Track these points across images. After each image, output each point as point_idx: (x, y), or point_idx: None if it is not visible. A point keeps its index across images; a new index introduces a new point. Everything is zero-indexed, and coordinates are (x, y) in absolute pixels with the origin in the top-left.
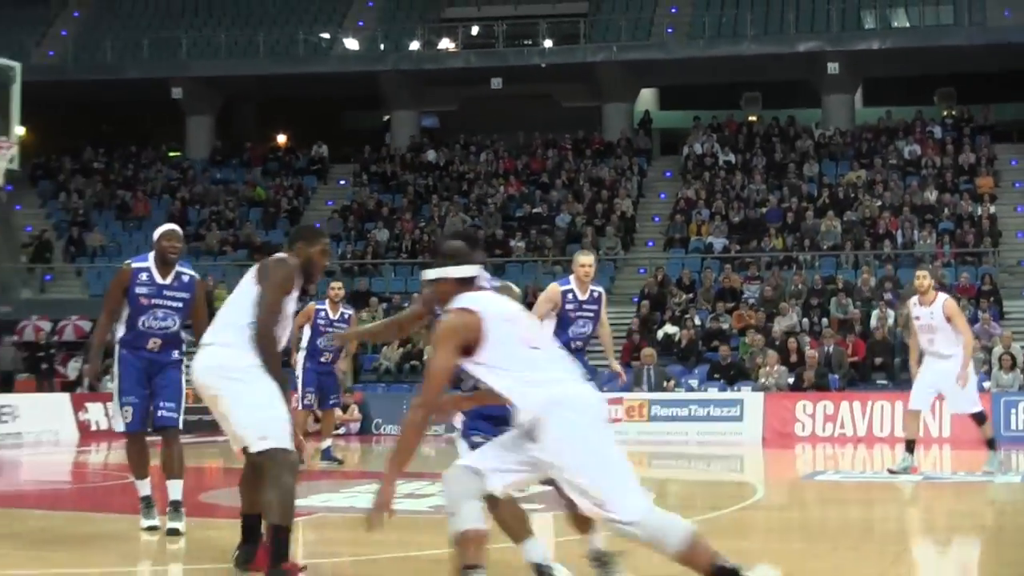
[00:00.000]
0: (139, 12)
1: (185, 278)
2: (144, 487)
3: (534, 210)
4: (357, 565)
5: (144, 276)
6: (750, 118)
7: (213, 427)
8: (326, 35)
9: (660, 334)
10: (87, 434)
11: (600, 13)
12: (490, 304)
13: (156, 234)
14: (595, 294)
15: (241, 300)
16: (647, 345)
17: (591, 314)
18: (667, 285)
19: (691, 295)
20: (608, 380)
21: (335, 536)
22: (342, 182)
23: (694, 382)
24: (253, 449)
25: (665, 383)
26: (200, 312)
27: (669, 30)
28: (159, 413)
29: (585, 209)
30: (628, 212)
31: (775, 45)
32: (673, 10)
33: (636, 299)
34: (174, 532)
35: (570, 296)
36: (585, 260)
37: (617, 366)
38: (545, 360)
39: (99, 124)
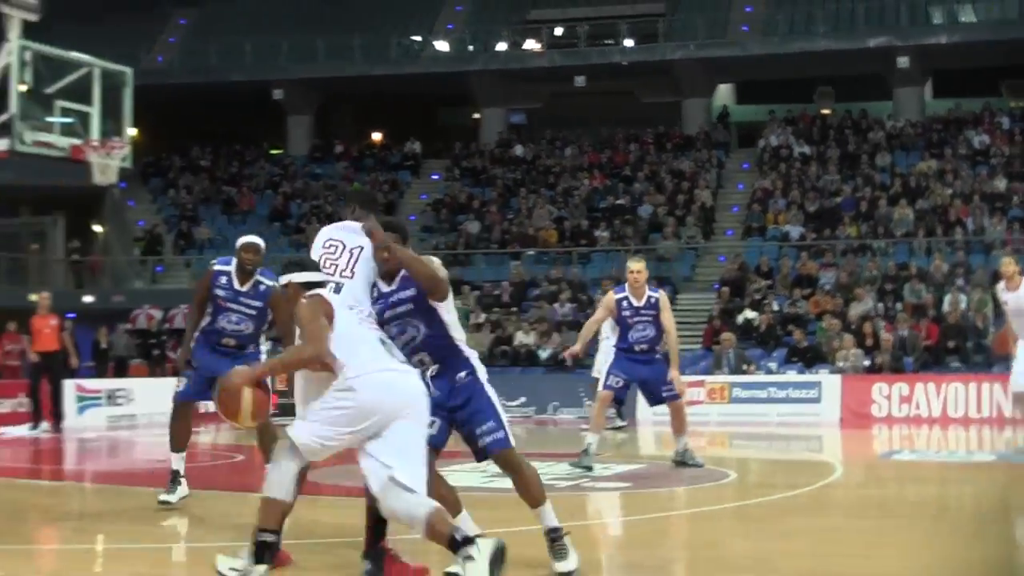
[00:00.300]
0: (241, 19)
1: (262, 287)
2: (176, 461)
3: (617, 201)
4: None
5: (224, 280)
6: (823, 111)
7: None
8: (418, 38)
9: (740, 319)
10: (196, 416)
11: (678, 13)
12: (332, 296)
13: (238, 244)
14: (652, 299)
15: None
16: (727, 329)
17: (649, 318)
18: (746, 272)
19: (769, 281)
20: (692, 363)
21: None
22: (435, 176)
23: (773, 365)
24: None
25: (745, 366)
26: (282, 316)
27: (744, 28)
28: None
29: (666, 200)
30: (708, 202)
31: (846, 41)
32: (748, 9)
33: (716, 286)
34: None
35: (625, 303)
36: (634, 267)
37: (676, 374)
38: (372, 344)
39: (205, 124)
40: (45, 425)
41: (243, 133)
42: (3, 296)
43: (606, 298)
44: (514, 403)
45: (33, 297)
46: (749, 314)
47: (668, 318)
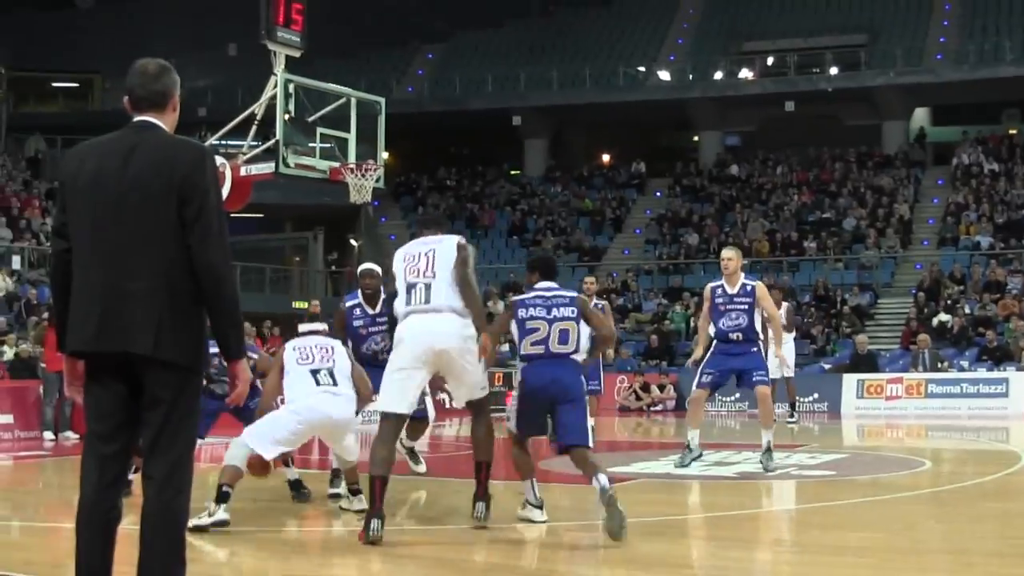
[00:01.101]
0: (483, 53)
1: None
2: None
3: (824, 215)
4: (667, 524)
5: (358, 311)
6: (1011, 131)
7: None
8: (642, 68)
9: (935, 321)
10: (441, 411)
11: (878, 43)
12: (294, 343)
13: (358, 271)
14: (747, 287)
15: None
16: (923, 331)
17: (743, 306)
18: (940, 278)
19: (962, 287)
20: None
21: (653, 498)
22: (658, 194)
23: (965, 363)
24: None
25: (939, 364)
26: None
27: (939, 56)
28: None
29: (868, 214)
30: (906, 216)
31: None
32: (942, 39)
33: (913, 291)
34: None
35: (719, 291)
36: (725, 254)
37: (780, 353)
38: (303, 378)
39: (450, 148)
40: None
41: (484, 156)
42: (269, 302)
43: (705, 290)
44: (730, 398)
45: (299, 305)
46: (943, 317)
47: (769, 304)
